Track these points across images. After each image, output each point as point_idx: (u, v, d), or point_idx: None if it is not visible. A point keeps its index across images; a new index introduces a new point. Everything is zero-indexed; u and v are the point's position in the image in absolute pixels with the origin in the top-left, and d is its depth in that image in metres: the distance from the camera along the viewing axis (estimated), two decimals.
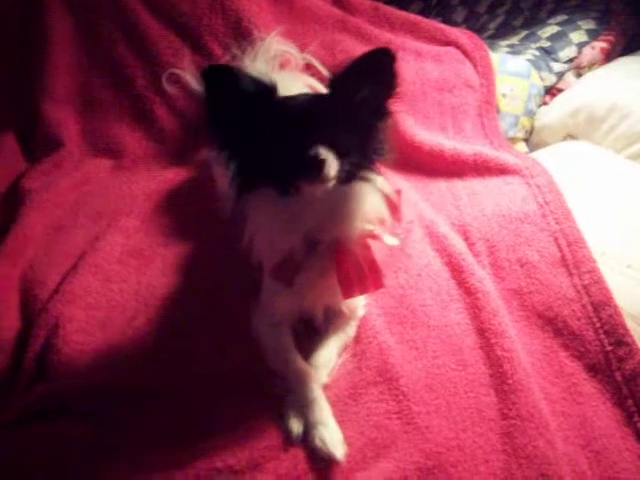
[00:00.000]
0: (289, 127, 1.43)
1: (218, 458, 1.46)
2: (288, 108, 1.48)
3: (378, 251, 1.65)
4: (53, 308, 1.82)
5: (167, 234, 2.13)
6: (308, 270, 1.59)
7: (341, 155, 1.42)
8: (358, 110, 1.48)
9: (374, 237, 1.63)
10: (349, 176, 1.48)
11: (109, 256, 2.01)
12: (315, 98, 1.58)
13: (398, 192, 1.76)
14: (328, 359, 1.66)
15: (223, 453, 1.47)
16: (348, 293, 1.60)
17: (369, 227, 1.60)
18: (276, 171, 1.47)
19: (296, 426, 1.51)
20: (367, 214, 1.57)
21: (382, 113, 1.52)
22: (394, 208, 1.67)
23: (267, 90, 1.48)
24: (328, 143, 1.40)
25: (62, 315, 1.80)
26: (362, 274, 1.58)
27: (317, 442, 1.48)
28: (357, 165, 1.49)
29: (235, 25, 2.49)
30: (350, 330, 1.73)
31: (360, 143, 1.50)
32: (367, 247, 1.60)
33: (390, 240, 1.68)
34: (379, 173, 1.57)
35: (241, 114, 1.47)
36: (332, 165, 1.39)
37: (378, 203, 1.58)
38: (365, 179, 1.52)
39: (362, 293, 1.65)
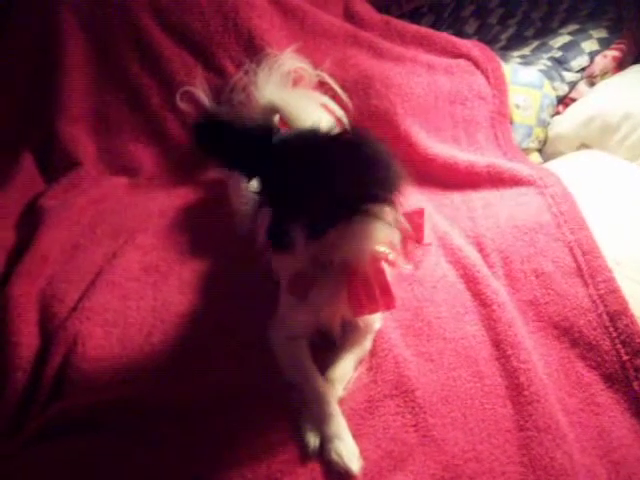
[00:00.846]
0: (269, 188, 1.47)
1: (236, 472, 1.47)
2: (275, 165, 1.46)
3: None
4: (71, 325, 1.84)
5: (183, 251, 2.14)
6: (322, 286, 1.60)
7: (326, 213, 1.43)
8: None
9: (389, 262, 1.62)
10: (346, 217, 1.46)
11: (126, 273, 2.03)
12: (304, 156, 1.46)
13: (420, 212, 1.74)
14: (344, 373, 1.66)
15: (241, 467, 1.48)
16: (358, 312, 1.61)
17: (382, 249, 1.59)
18: None
19: (312, 440, 1.51)
20: (377, 241, 1.55)
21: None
22: (409, 234, 1.65)
23: (261, 137, 1.49)
24: (302, 215, 1.42)
25: (80, 332, 1.82)
26: (372, 295, 1.58)
27: (333, 456, 1.48)
28: (354, 207, 1.46)
29: (247, 42, 2.53)
30: (366, 344, 1.73)
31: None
32: (380, 270, 1.59)
33: (404, 266, 1.67)
34: (390, 203, 1.47)
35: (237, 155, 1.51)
36: (299, 241, 1.41)
37: (387, 233, 1.55)
38: (369, 214, 1.47)
39: (372, 313, 1.65)
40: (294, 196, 1.41)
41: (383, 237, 1.55)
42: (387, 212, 1.49)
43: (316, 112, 2.21)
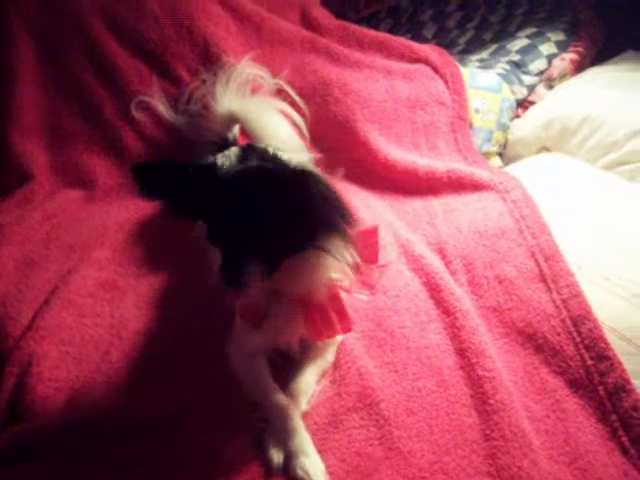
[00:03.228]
0: (218, 225, 1.42)
1: None
2: (220, 205, 1.42)
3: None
4: (26, 345, 1.78)
5: (140, 265, 2.10)
6: (276, 314, 1.59)
7: (276, 250, 1.41)
8: None
9: (344, 289, 1.60)
10: (297, 251, 1.45)
11: (82, 290, 1.98)
12: (250, 190, 1.41)
13: (373, 231, 1.71)
14: (307, 386, 1.64)
15: None
16: (316, 337, 1.60)
17: (337, 276, 1.56)
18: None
19: (276, 456, 1.48)
20: (329, 272, 1.53)
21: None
22: (360, 264, 1.61)
23: (205, 174, 1.45)
24: (255, 249, 1.38)
25: (35, 352, 1.76)
26: (329, 321, 1.56)
27: (299, 472, 1.45)
28: (305, 241, 1.45)
29: (203, 51, 2.49)
30: (329, 356, 1.71)
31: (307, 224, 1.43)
32: (335, 296, 1.58)
33: (360, 294, 1.65)
34: (340, 236, 1.46)
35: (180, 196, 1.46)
36: (252, 281, 1.38)
37: (337, 266, 1.52)
38: (319, 248, 1.45)
39: (330, 337, 1.63)
40: (244, 235, 1.38)
41: (334, 269, 1.53)
42: (338, 245, 1.46)
43: (275, 119, 2.19)
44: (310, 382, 1.65)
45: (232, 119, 2.22)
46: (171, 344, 1.81)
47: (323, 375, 1.68)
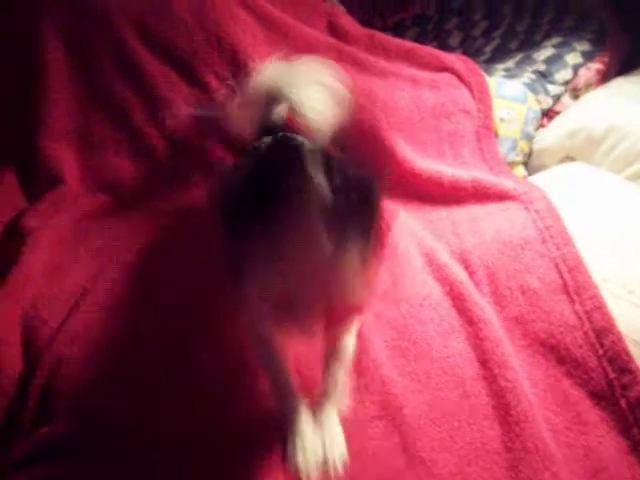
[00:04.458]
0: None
1: None
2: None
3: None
4: (55, 347, 1.81)
5: (168, 269, 2.11)
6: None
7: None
8: None
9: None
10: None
11: (110, 293, 2.01)
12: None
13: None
14: (335, 382, 1.58)
15: None
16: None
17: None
18: None
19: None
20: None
21: None
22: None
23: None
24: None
25: (64, 355, 1.79)
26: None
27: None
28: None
29: (230, 57, 2.50)
30: (349, 345, 1.64)
31: None
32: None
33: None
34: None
35: None
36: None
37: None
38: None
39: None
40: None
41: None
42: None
43: (312, 92, 1.98)
44: (337, 377, 1.59)
45: (275, 99, 2.09)
46: (200, 349, 1.82)
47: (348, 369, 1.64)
